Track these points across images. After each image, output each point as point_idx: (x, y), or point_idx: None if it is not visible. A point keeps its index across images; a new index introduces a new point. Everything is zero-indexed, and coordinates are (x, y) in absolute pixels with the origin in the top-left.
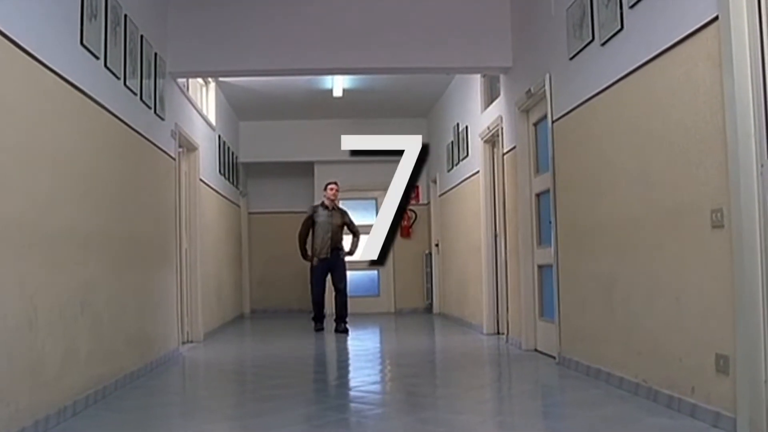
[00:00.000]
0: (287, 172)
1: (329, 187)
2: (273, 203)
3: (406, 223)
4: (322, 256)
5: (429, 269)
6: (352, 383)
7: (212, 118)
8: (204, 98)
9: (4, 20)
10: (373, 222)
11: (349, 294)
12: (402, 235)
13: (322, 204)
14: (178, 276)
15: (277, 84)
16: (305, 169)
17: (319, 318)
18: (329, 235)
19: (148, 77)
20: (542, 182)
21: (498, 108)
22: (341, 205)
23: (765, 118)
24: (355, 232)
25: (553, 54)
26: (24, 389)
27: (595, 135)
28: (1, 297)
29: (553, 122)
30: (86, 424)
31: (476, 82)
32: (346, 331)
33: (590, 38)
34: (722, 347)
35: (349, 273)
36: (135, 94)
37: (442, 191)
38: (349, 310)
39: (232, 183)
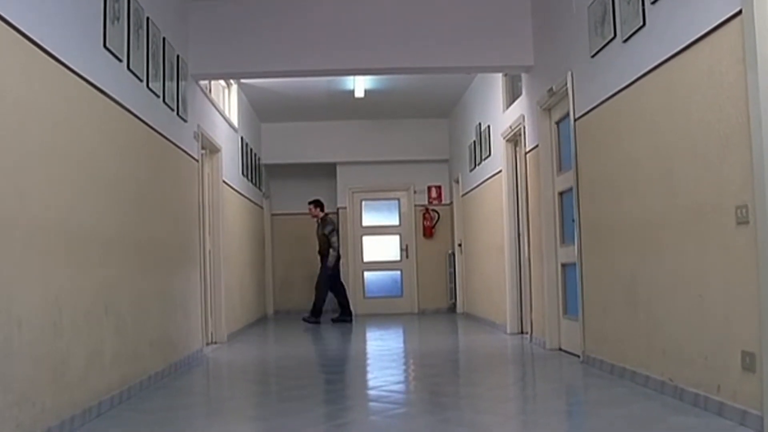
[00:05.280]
0: (310, 173)
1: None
2: (296, 204)
3: (428, 223)
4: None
5: (452, 269)
6: (374, 383)
7: (234, 120)
8: (226, 100)
9: (27, 23)
10: (396, 222)
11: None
12: (425, 236)
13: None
14: (202, 277)
15: (298, 85)
16: (328, 170)
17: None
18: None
19: (171, 79)
20: (565, 181)
21: (520, 107)
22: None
23: None
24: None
25: (575, 52)
26: (49, 390)
27: (618, 133)
28: (25, 298)
29: (575, 120)
30: (111, 425)
31: (498, 81)
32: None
33: (612, 35)
34: (748, 344)
35: (371, 273)
36: (158, 96)
37: (465, 191)
38: (373, 310)
39: (255, 184)
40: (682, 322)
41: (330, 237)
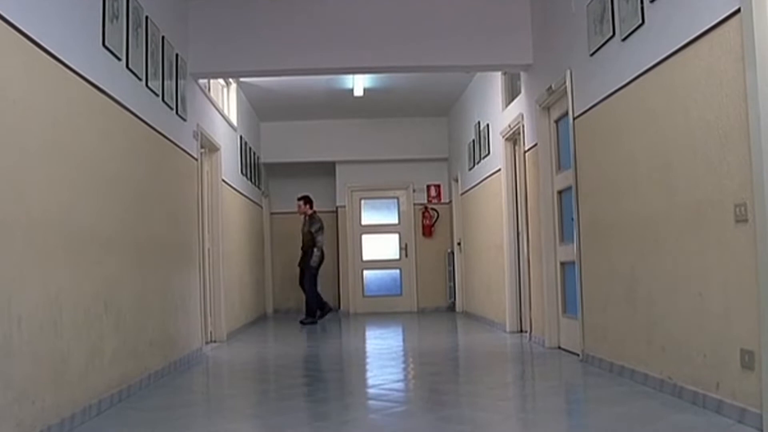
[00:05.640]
0: (309, 172)
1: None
2: (295, 204)
3: (428, 222)
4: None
5: (451, 268)
6: (374, 381)
7: (234, 119)
8: (225, 99)
9: (26, 22)
10: (395, 221)
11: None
12: (424, 234)
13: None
14: (201, 276)
15: (297, 84)
16: (327, 169)
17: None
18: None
19: (170, 78)
20: (564, 179)
21: (519, 105)
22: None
23: None
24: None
25: (574, 50)
26: (49, 388)
27: (617, 131)
28: (25, 297)
29: (574, 119)
30: (111, 423)
31: (497, 79)
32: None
33: (611, 33)
34: (747, 342)
35: (370, 271)
36: (157, 95)
37: (464, 190)
38: (372, 308)
39: (254, 183)
40: (681, 320)
41: (316, 235)
